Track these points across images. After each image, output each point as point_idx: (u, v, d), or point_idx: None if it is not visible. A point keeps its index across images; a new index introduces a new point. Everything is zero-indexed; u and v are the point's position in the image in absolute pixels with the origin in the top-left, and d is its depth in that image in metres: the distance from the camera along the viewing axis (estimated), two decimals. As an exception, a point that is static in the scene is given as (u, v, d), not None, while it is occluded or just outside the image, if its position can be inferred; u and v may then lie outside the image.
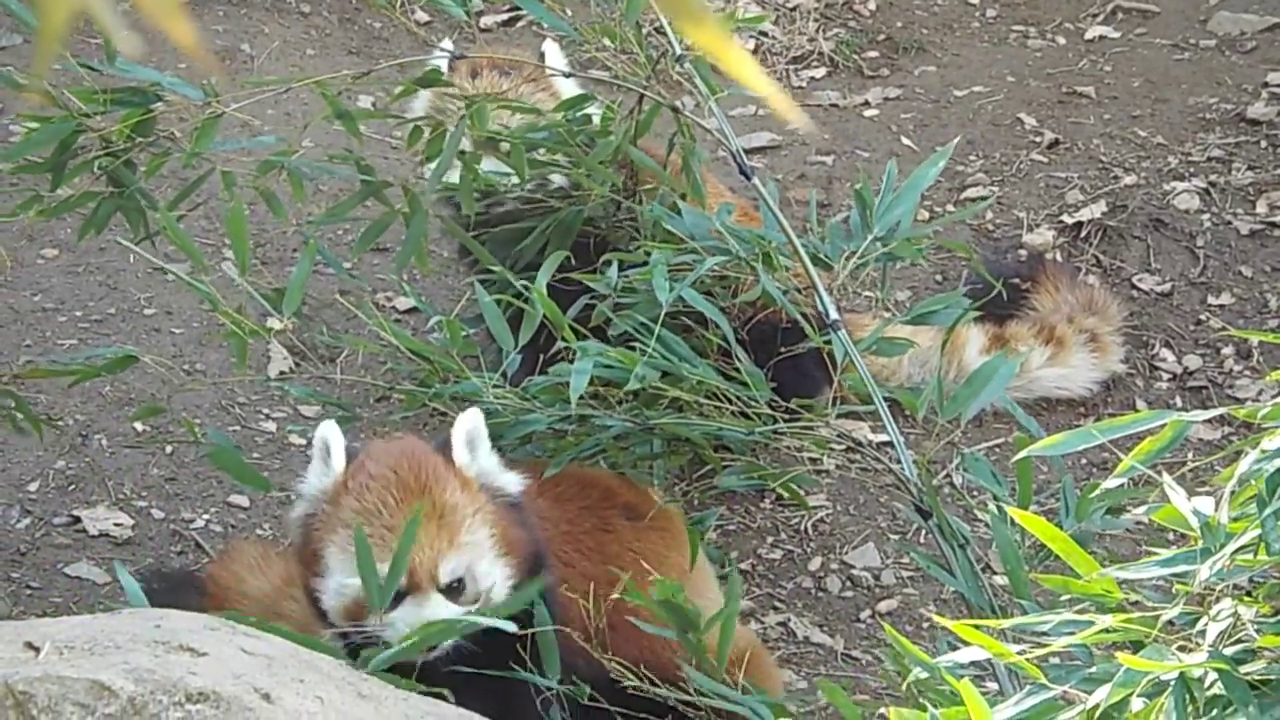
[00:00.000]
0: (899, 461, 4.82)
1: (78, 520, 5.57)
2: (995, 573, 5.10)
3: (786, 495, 5.67)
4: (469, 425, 4.52)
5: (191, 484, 5.72)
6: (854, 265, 5.07)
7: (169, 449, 5.80)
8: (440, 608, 4.35)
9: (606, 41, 5.23)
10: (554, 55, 5.58)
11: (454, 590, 4.40)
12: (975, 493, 5.71)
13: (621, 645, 4.62)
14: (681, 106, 5.21)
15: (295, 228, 6.44)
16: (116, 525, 5.57)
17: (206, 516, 5.64)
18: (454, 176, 5.14)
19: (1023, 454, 3.32)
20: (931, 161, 5.16)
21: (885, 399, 4.89)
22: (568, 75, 5.47)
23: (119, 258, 6.26)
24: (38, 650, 3.67)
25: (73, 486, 5.67)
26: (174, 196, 5.07)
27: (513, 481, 4.57)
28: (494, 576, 4.43)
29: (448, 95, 5.42)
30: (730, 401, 4.87)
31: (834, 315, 4.97)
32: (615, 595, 4.58)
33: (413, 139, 5.18)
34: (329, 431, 4.56)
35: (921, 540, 5.69)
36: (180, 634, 3.77)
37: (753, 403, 4.87)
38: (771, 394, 4.93)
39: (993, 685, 4.32)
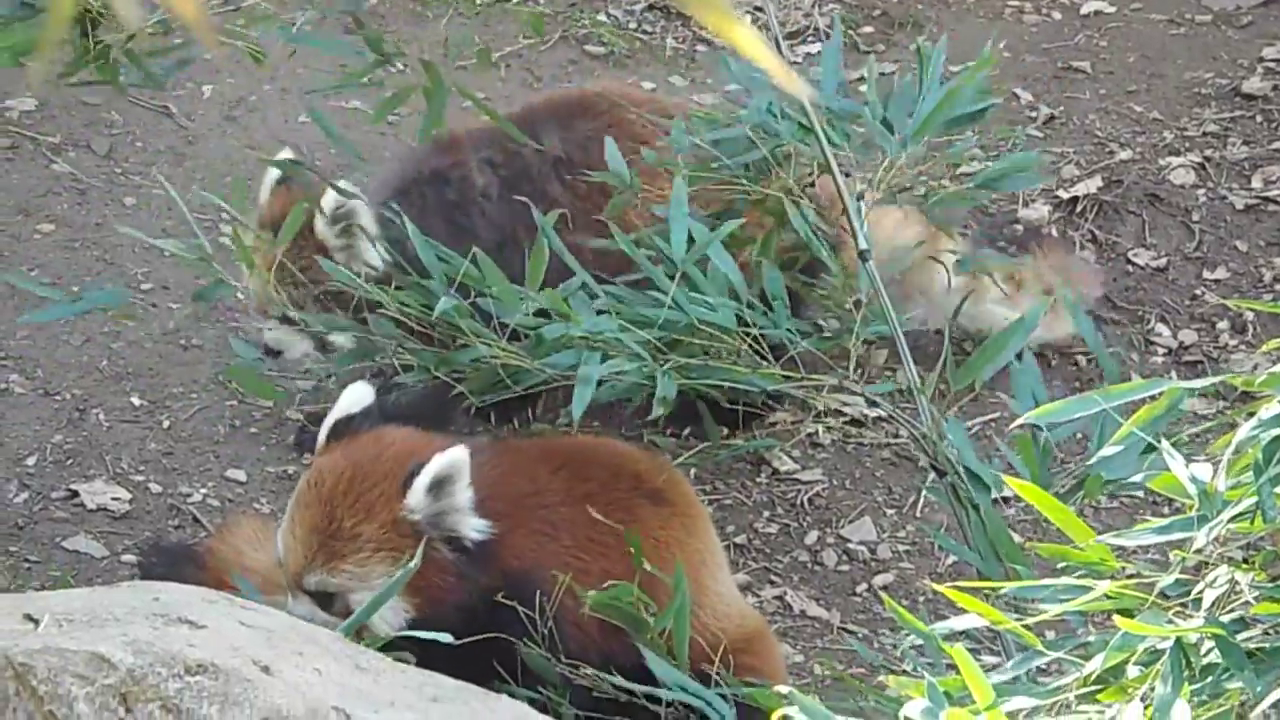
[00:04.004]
0: (908, 424, 4.83)
1: (75, 494, 5.57)
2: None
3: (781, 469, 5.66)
4: (442, 465, 4.47)
5: (189, 458, 5.73)
6: (916, 128, 5.09)
7: (166, 423, 5.81)
8: (300, 607, 4.51)
9: None
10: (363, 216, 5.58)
11: (324, 599, 4.54)
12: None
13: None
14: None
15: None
16: (114, 499, 5.57)
17: (204, 491, 5.65)
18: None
19: (1022, 419, 3.33)
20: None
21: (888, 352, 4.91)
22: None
23: (115, 233, 6.25)
24: (37, 623, 3.68)
25: (70, 461, 5.67)
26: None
27: (474, 528, 4.51)
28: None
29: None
30: (747, 342, 4.87)
31: (864, 245, 4.98)
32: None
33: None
34: (347, 395, 4.68)
35: (918, 514, 5.70)
36: (179, 607, 3.78)
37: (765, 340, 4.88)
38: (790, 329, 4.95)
39: (989, 659, 4.34)
